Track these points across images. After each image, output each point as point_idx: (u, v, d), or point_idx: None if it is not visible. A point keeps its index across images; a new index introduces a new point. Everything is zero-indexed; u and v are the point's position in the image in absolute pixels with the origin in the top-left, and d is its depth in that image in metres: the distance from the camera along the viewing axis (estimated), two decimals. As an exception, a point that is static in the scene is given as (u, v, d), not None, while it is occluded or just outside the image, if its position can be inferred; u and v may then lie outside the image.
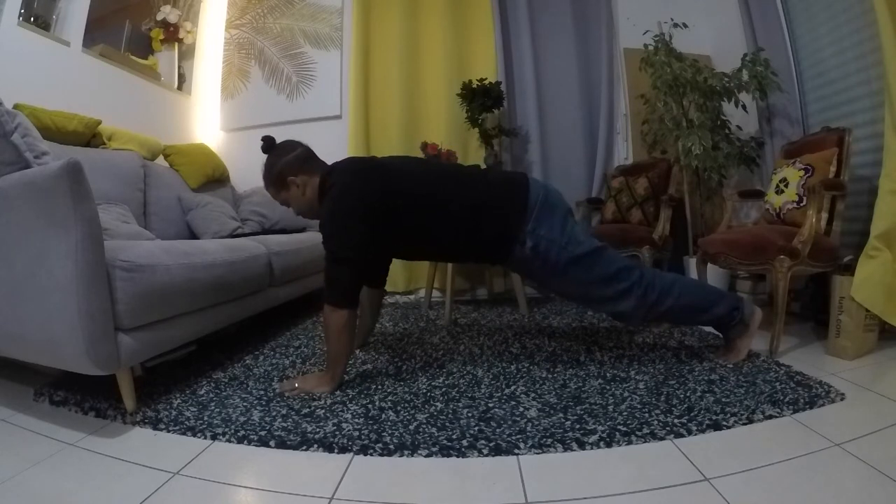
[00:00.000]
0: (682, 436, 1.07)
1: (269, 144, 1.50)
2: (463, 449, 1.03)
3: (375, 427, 1.13)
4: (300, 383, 1.37)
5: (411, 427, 1.13)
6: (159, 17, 2.83)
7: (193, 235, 2.37)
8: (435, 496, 0.90)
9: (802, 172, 1.82)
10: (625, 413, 1.16)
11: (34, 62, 2.08)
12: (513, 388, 1.36)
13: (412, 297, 2.99)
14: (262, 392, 1.36)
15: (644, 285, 1.41)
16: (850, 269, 1.61)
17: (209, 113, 3.27)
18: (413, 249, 1.56)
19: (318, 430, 1.12)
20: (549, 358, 1.62)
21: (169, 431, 1.16)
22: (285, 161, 1.46)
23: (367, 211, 1.34)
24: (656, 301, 1.42)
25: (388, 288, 2.89)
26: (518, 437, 1.06)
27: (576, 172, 3.02)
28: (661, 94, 2.48)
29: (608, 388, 1.33)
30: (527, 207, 1.38)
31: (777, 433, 1.07)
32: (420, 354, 1.71)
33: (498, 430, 1.10)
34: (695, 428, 1.08)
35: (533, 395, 1.30)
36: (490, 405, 1.24)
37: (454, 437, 1.07)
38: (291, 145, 1.50)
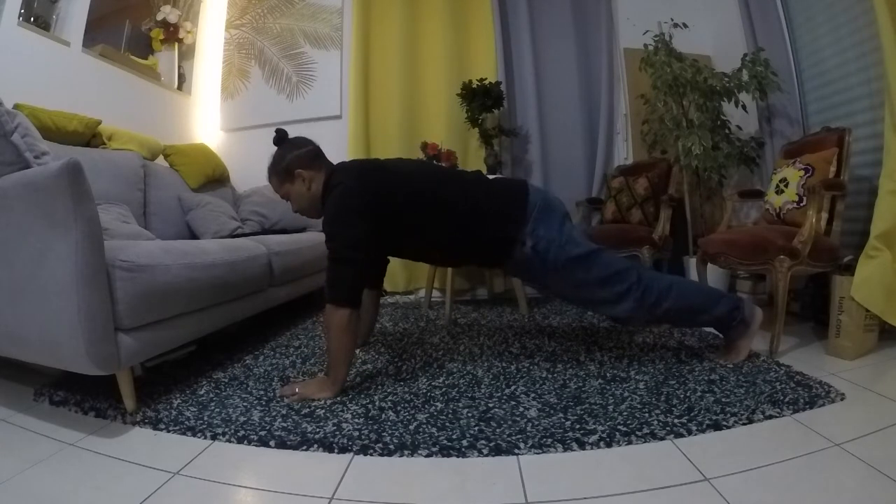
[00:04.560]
0: (682, 436, 1.07)
1: (281, 137, 1.54)
2: (463, 449, 1.03)
3: (375, 427, 1.13)
4: (301, 388, 1.33)
5: (411, 427, 1.13)
6: (159, 17, 2.83)
7: (193, 235, 2.37)
8: (435, 496, 0.90)
9: (802, 172, 1.82)
10: (625, 413, 1.16)
11: (34, 62, 2.08)
12: (513, 388, 1.36)
13: (412, 297, 2.99)
14: (262, 392, 1.36)
15: (642, 287, 1.42)
16: (850, 269, 1.61)
17: (209, 113, 3.27)
18: (414, 251, 1.57)
19: (318, 430, 1.12)
20: (549, 358, 1.62)
21: (169, 431, 1.16)
22: (296, 154, 1.49)
23: (369, 210, 1.35)
24: (654, 303, 1.43)
25: (388, 288, 2.92)
26: (518, 437, 1.06)
27: (576, 172, 3.02)
28: (661, 94, 2.48)
29: (608, 388, 1.33)
30: (526, 209, 1.42)
31: (777, 433, 1.07)
32: (420, 354, 1.71)
33: (498, 430, 1.10)
34: (695, 428, 1.08)
35: (533, 395, 1.30)
36: (490, 405, 1.24)
37: (454, 437, 1.07)
38: (303, 141, 1.54)
